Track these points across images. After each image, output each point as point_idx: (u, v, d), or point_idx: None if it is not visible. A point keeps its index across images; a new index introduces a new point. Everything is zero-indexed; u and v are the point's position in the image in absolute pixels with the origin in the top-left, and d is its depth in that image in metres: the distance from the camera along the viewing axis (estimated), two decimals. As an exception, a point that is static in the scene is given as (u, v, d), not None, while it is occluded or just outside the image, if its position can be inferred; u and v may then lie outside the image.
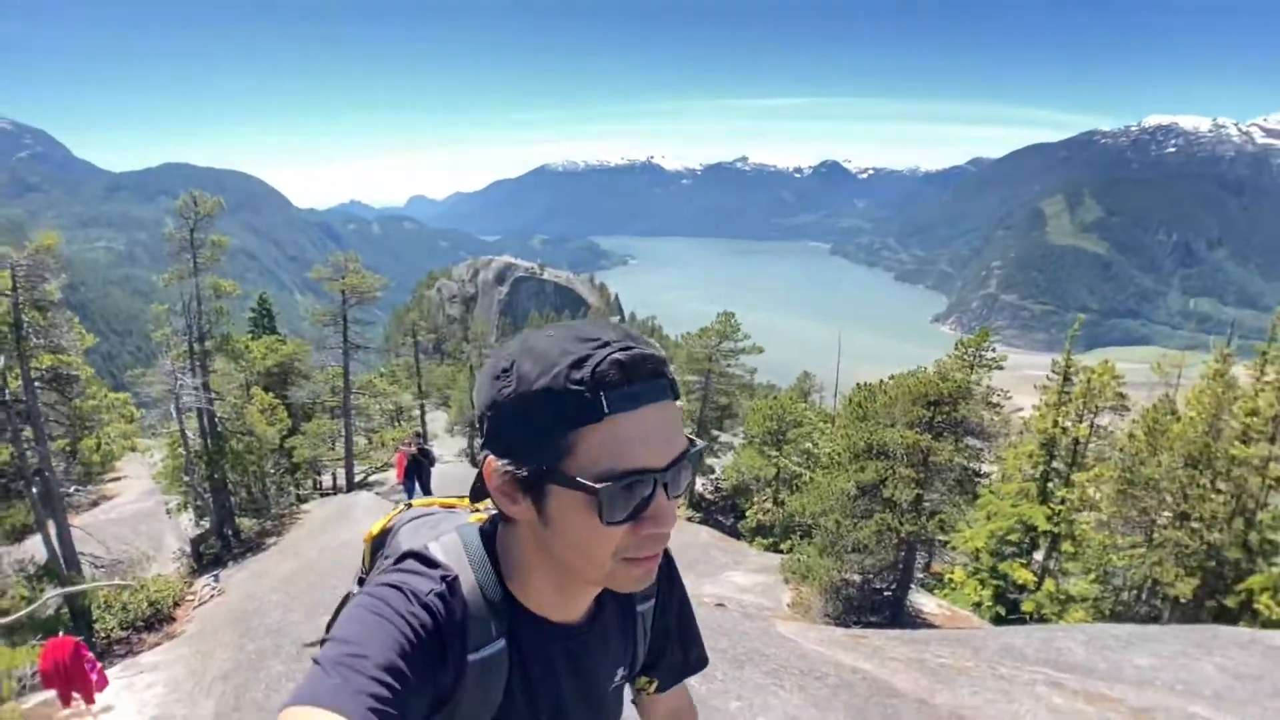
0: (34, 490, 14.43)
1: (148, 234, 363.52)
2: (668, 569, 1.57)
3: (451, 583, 1.22)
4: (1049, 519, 18.66)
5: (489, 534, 1.33)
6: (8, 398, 13.58)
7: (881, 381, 19.86)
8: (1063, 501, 18.86)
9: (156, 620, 14.45)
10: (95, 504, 25.69)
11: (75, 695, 8.62)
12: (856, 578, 16.55)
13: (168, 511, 21.08)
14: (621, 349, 1.09)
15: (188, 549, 19.86)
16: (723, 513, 32.52)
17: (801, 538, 21.06)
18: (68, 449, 18.94)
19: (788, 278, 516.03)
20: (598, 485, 1.06)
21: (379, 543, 1.50)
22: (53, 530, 14.80)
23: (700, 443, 1.22)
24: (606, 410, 1.06)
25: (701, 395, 34.07)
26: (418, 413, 40.95)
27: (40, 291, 14.51)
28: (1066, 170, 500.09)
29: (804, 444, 29.33)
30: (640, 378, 1.09)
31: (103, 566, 16.98)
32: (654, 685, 1.64)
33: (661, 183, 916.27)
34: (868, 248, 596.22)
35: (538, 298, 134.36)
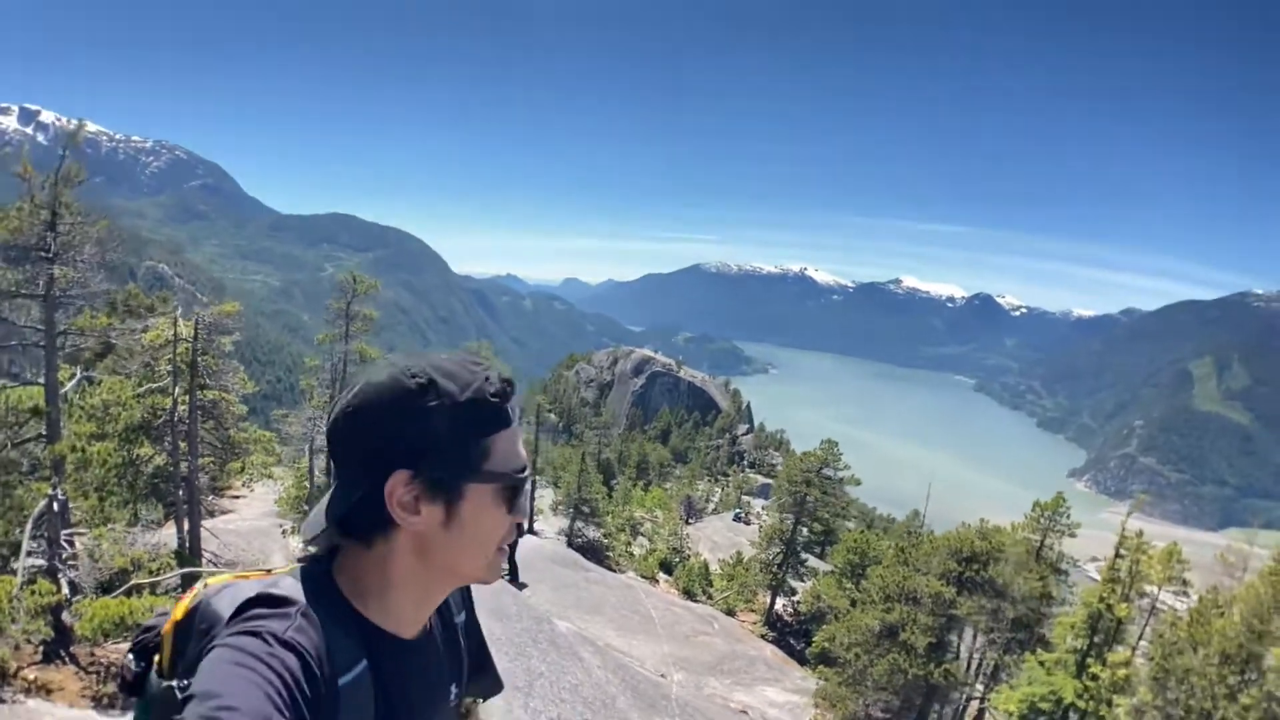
0: (180, 493, 17.04)
1: (305, 275, 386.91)
2: (467, 589, 1.68)
3: (305, 614, 1.25)
4: (1079, 694, 18.63)
5: (320, 569, 1.38)
6: (175, 419, 16.24)
7: (929, 532, 20.48)
8: (1094, 679, 18.83)
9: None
10: (213, 515, 28.73)
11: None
12: (880, 715, 17.09)
13: (283, 532, 23.86)
14: (499, 373, 1.36)
15: (293, 569, 22.48)
16: (796, 635, 32.75)
17: (829, 667, 21.63)
18: (214, 465, 21.79)
19: (928, 409, 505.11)
20: (517, 476, 1.33)
21: (185, 626, 1.38)
22: (186, 526, 17.35)
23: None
24: (512, 418, 1.34)
25: (795, 516, 34.58)
26: (529, 486, 42.80)
27: (216, 342, 17.31)
28: (1217, 331, 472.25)
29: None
30: (512, 393, 1.36)
31: (217, 564, 19.52)
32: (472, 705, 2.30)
33: (812, 295, 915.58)
34: (1013, 389, 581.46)
35: (671, 394, 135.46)
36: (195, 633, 1.34)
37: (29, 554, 10.63)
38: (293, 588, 1.31)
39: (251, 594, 1.28)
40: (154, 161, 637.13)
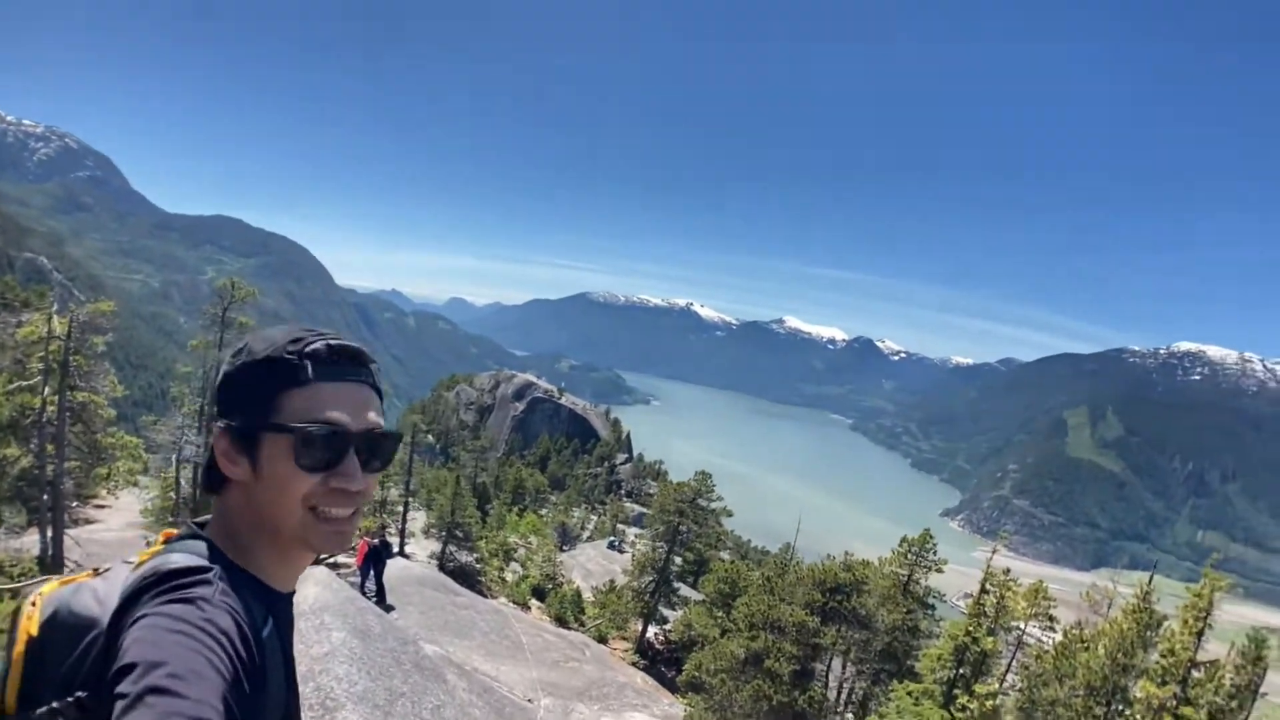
0: (44, 497, 16.47)
1: (185, 277, 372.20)
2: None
3: (222, 577, 1.29)
4: None
5: (203, 540, 1.42)
6: (44, 420, 15.75)
7: (796, 562, 21.31)
8: (963, 709, 19.71)
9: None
10: (78, 523, 27.46)
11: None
12: (745, 742, 17.68)
13: (147, 543, 22.88)
14: (333, 339, 1.45)
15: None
16: (667, 663, 33.02)
17: (698, 694, 22.20)
18: (80, 470, 20.99)
19: (805, 445, 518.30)
20: (293, 425, 1.38)
21: (44, 641, 1.34)
22: (50, 533, 16.74)
23: (396, 431, 1.53)
24: (311, 376, 1.40)
25: (668, 545, 35.03)
26: (401, 509, 42.21)
27: (89, 342, 16.88)
28: (1093, 384, 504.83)
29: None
30: (344, 360, 1.45)
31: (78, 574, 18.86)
32: None
33: (696, 330, 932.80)
34: (889, 430, 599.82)
35: (551, 421, 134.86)
36: (60, 643, 1.33)
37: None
38: (188, 559, 1.34)
39: (151, 571, 1.29)
40: (43, 148, 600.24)
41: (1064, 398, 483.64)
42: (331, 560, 30.14)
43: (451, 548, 37.03)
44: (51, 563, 15.38)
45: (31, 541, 16.96)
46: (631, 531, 68.89)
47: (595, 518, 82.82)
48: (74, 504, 20.28)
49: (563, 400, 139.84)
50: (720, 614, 30.10)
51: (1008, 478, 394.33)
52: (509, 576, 39.73)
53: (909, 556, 23.04)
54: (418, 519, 45.52)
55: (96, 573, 1.46)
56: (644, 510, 72.54)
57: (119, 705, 0.99)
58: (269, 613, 1.39)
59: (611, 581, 38.00)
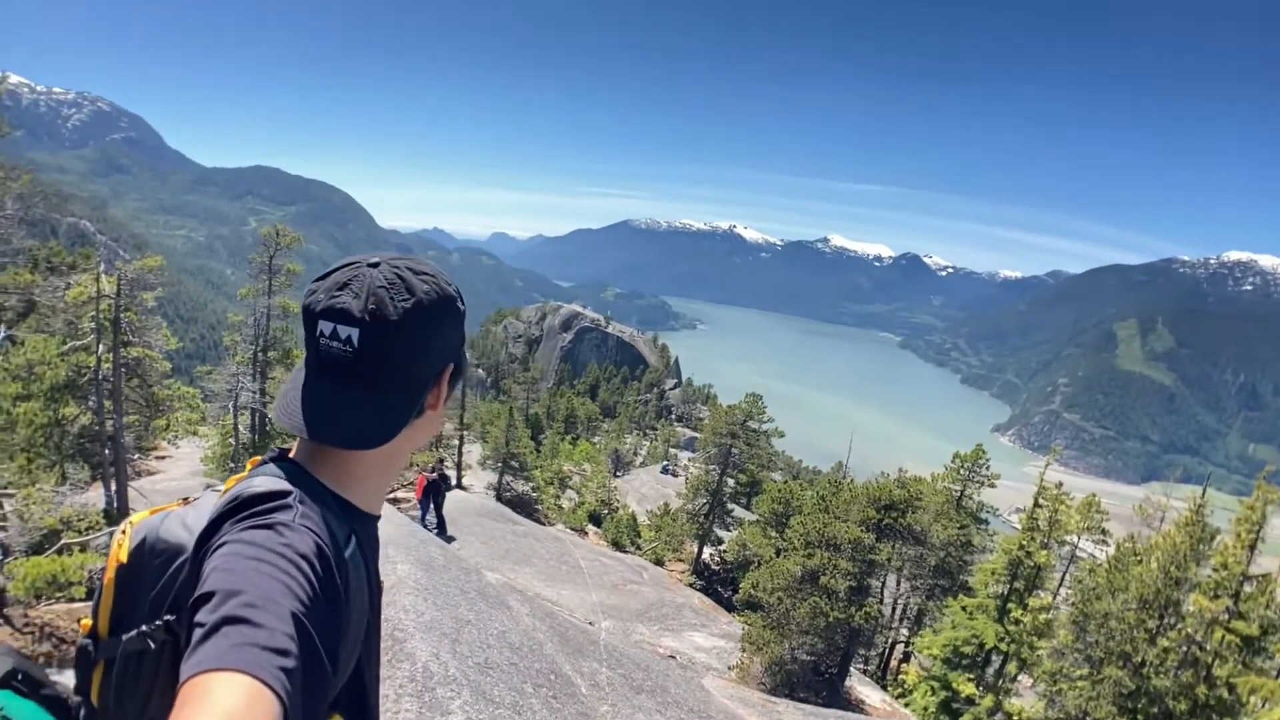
0: (106, 452, 16.98)
1: (229, 230, 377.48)
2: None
3: (303, 500, 1.27)
4: (999, 638, 19.59)
5: (290, 465, 1.41)
6: (100, 377, 16.14)
7: (849, 481, 21.29)
8: (1017, 623, 19.79)
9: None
10: (140, 475, 28.34)
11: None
12: (806, 657, 17.94)
13: (207, 490, 23.67)
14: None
15: (219, 525, 22.68)
16: (723, 583, 33.55)
17: (754, 612, 22.50)
18: (140, 423, 21.58)
19: (854, 365, 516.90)
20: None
21: (132, 568, 1.41)
22: (113, 485, 17.31)
23: None
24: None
25: (721, 467, 35.29)
26: (456, 442, 42.86)
27: (139, 299, 17.15)
28: (1143, 295, 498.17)
29: (799, 528, 30.60)
30: None
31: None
32: None
33: (740, 252, 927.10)
34: (938, 346, 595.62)
35: (599, 349, 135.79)
36: (148, 569, 1.37)
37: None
38: (271, 483, 1.32)
39: (235, 497, 1.29)
40: (76, 114, 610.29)
41: (1113, 310, 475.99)
42: (391, 495, 30.87)
43: (508, 478, 37.63)
44: (117, 515, 15.92)
45: (96, 496, 17.57)
46: (684, 455, 69.46)
47: (647, 443, 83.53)
48: (135, 457, 21.02)
49: (609, 329, 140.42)
50: (774, 534, 30.30)
51: (1058, 392, 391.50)
52: (565, 504, 40.36)
53: (961, 472, 23.02)
54: (473, 452, 46.29)
55: (186, 502, 1.50)
56: (695, 434, 73.05)
57: (196, 633, 1.00)
58: (353, 533, 1.38)
59: (666, 505, 38.45)
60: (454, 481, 33.86)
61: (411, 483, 28.90)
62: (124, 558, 1.40)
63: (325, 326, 1.34)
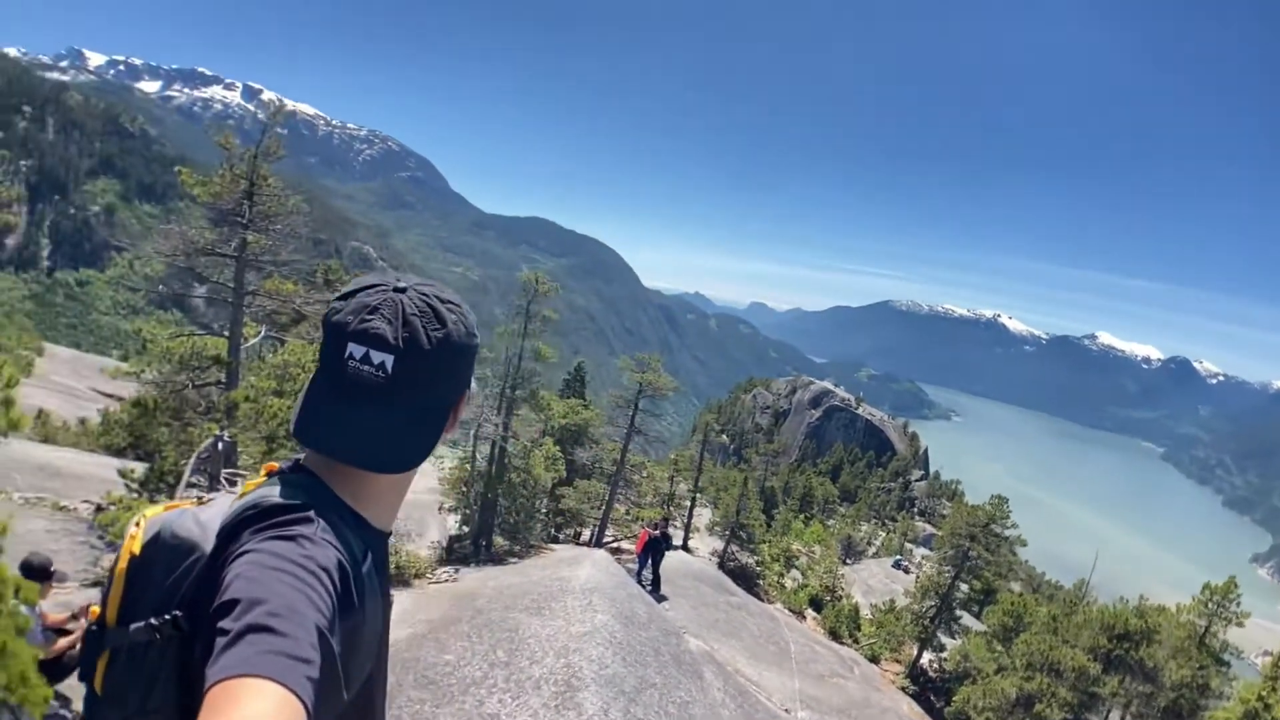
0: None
1: (503, 273, 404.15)
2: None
3: (324, 515, 1.29)
4: None
5: (306, 477, 1.41)
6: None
7: (1087, 602, 19.21)
8: None
9: (397, 580, 17.81)
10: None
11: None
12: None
13: (440, 508, 25.98)
14: None
15: (444, 542, 24.50)
16: (938, 692, 31.27)
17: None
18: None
19: (1110, 475, 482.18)
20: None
21: (145, 560, 1.42)
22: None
23: None
24: None
25: (955, 570, 33.18)
26: (688, 503, 43.00)
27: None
28: None
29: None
30: None
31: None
32: None
33: (1003, 343, 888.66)
34: (1202, 462, 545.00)
35: (846, 430, 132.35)
36: (160, 563, 1.39)
37: (189, 485, 11.77)
38: (292, 494, 1.33)
39: (254, 504, 1.31)
40: (367, 149, 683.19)
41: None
42: (613, 545, 31.43)
43: (734, 547, 37.35)
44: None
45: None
46: (919, 552, 66.14)
47: (883, 534, 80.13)
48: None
49: (860, 410, 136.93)
50: (1000, 648, 28.11)
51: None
52: (788, 583, 39.40)
53: (1209, 606, 20.05)
54: (703, 515, 46.41)
55: (200, 501, 1.52)
56: (934, 531, 69.48)
57: (220, 641, 1.01)
58: (367, 548, 1.39)
59: (892, 601, 36.61)
60: (677, 542, 33.97)
61: (635, 535, 29.40)
62: (137, 550, 1.42)
63: (356, 350, 1.34)
